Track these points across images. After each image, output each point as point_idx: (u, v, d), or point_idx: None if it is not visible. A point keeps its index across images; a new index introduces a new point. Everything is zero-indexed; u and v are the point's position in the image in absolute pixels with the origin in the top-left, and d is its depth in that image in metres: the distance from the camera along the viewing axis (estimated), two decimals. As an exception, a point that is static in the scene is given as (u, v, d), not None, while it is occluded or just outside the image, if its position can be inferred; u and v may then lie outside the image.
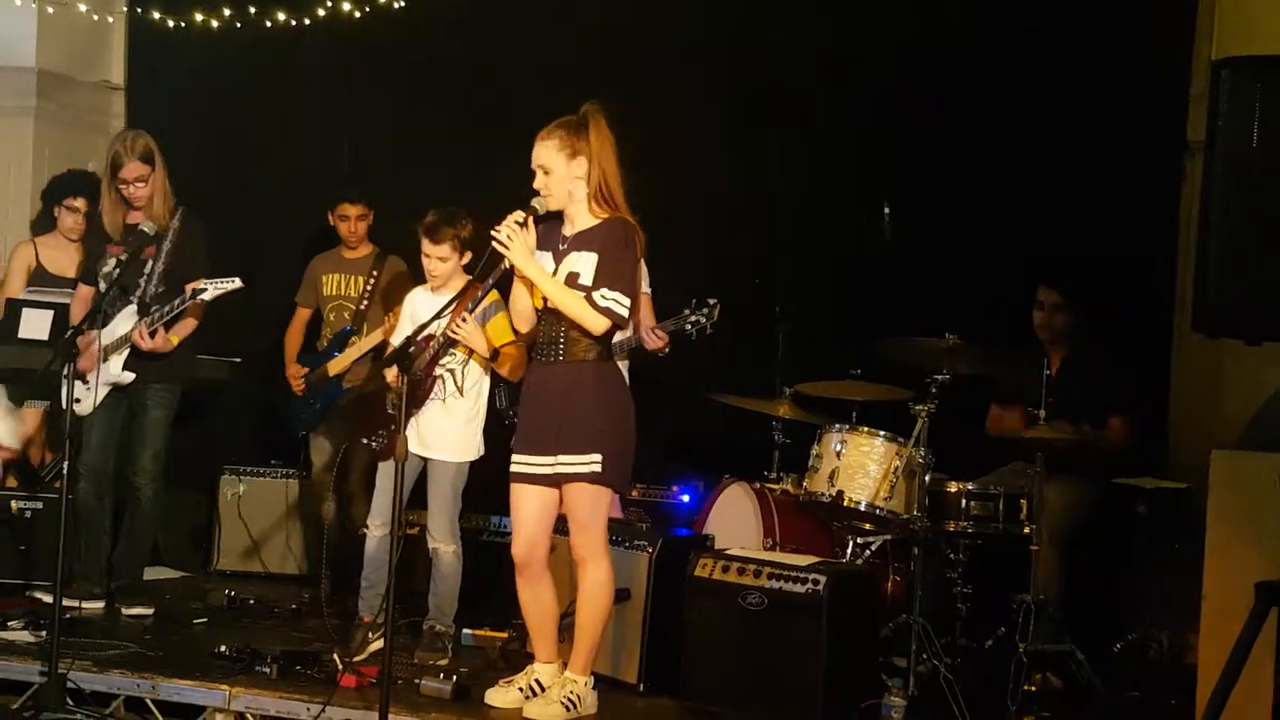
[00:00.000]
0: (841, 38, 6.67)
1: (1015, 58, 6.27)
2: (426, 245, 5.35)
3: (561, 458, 4.56)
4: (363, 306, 6.58)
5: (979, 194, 6.37)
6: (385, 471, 5.43)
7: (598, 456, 4.53)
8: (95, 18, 7.51)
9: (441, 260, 5.35)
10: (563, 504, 4.66)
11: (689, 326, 5.45)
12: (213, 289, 5.53)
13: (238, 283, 5.52)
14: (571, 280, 4.55)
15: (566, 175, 4.55)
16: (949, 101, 6.40)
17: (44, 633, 5.14)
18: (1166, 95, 6.06)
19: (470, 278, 5.10)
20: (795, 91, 6.69)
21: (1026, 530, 5.34)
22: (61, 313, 6.18)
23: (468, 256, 5.37)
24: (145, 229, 5.67)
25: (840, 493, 5.41)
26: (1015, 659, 5.07)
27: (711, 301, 5.44)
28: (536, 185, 4.58)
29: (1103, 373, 5.81)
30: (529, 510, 4.67)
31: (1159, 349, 6.12)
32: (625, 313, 4.54)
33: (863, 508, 5.40)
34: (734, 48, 6.83)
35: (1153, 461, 5.88)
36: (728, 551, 5.09)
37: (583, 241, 4.58)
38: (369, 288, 6.60)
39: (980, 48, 6.37)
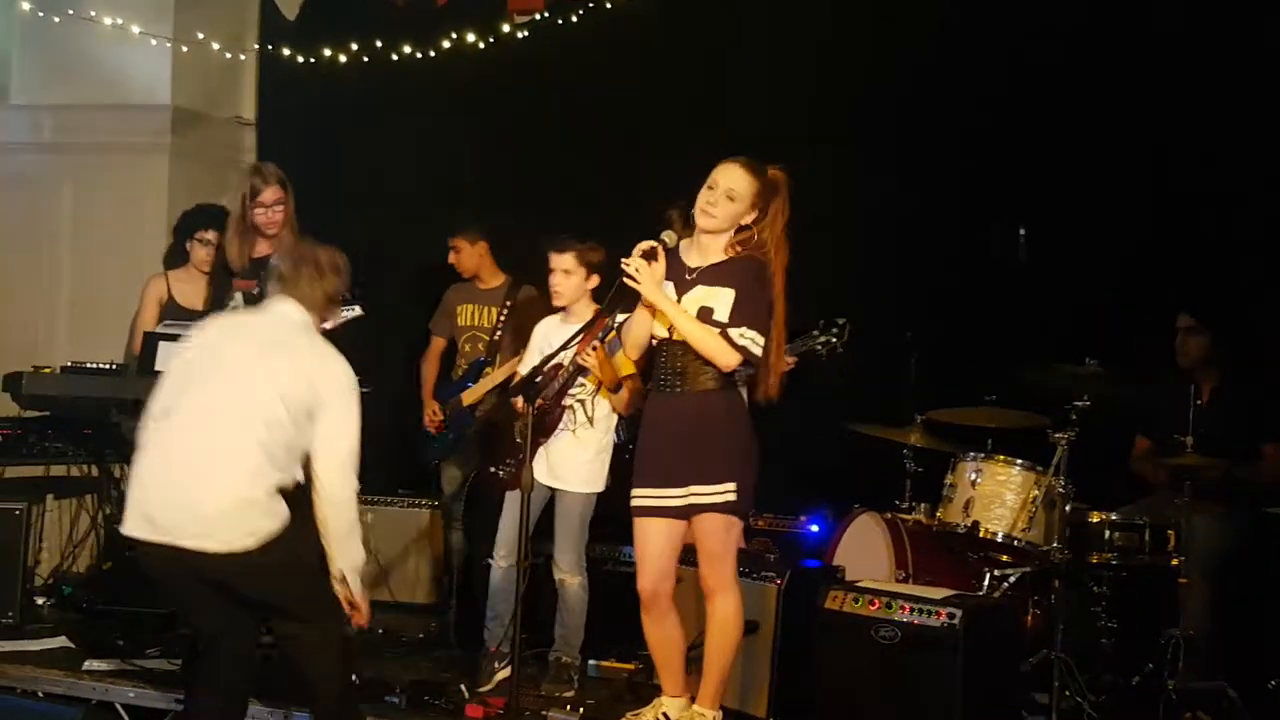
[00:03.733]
0: (953, 48, 6.56)
1: (1160, 65, 6.14)
2: (551, 257, 5.33)
3: (694, 488, 4.52)
4: (496, 337, 6.61)
5: (1121, 213, 6.23)
6: (511, 501, 5.42)
7: (732, 486, 4.49)
8: (228, 55, 7.67)
9: (565, 274, 5.32)
10: (689, 535, 4.60)
11: (819, 347, 5.39)
12: (334, 319, 5.54)
13: (359, 310, 5.55)
14: (705, 315, 4.53)
15: (739, 215, 4.54)
16: (1083, 113, 6.29)
17: (180, 661, 5.17)
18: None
19: (599, 307, 5.10)
20: (919, 106, 6.62)
21: (1174, 562, 5.29)
22: (198, 347, 6.23)
23: (594, 280, 5.33)
24: (276, 261, 5.68)
25: (976, 523, 5.39)
26: (1164, 697, 5.03)
27: (841, 320, 5.37)
28: (708, 200, 4.51)
29: (1255, 401, 5.73)
30: (656, 544, 4.62)
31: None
32: (760, 353, 4.52)
33: (1000, 539, 5.37)
34: (846, 59, 6.75)
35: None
36: (858, 584, 5.05)
37: (714, 276, 4.56)
38: (502, 318, 6.62)
39: (1116, 53, 6.24)
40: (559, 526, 5.37)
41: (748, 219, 4.55)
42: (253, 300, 5.69)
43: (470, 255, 6.68)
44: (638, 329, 4.66)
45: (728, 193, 4.52)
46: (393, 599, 6.97)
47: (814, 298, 5.98)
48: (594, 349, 5.11)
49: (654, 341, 4.64)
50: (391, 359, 7.18)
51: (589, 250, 5.32)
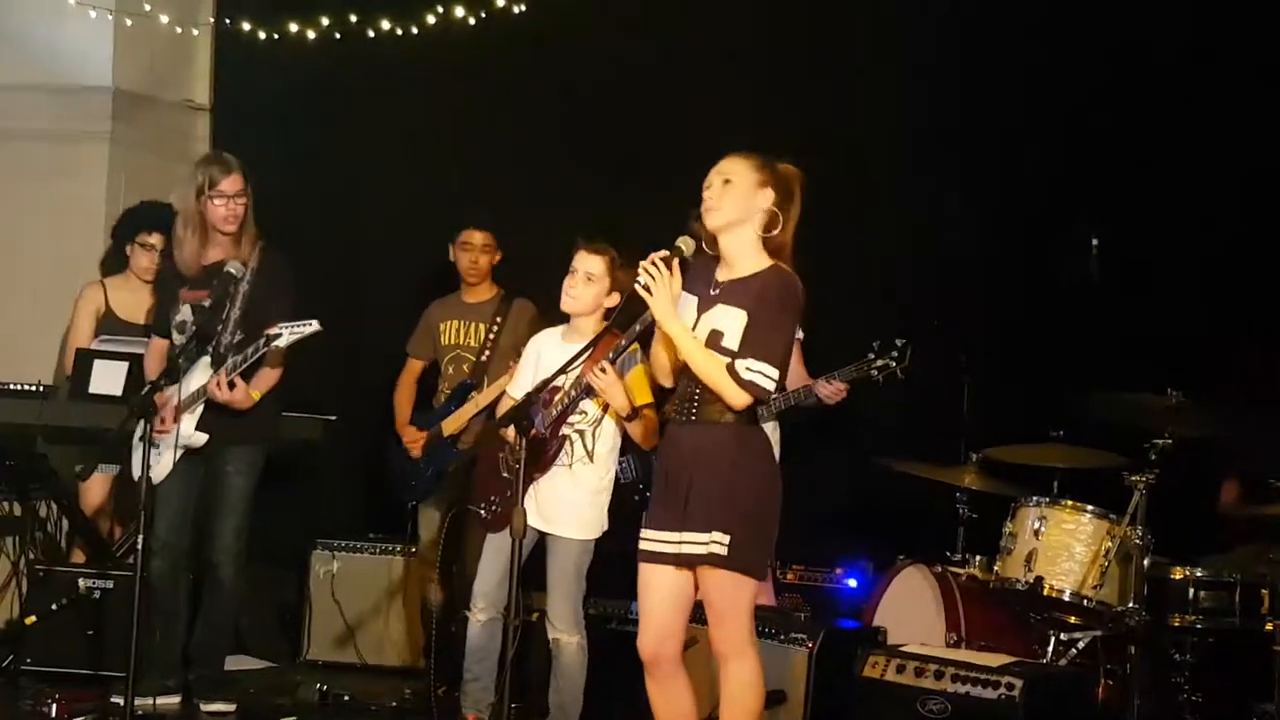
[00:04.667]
0: (1013, 35, 6.62)
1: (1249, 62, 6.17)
2: (578, 256, 5.30)
3: (686, 535, 4.49)
4: (484, 357, 6.60)
5: (1209, 220, 6.23)
6: (493, 547, 5.40)
7: (723, 537, 4.43)
8: (179, 30, 7.66)
9: (589, 279, 5.29)
10: (698, 589, 4.58)
11: (875, 372, 5.36)
12: (288, 334, 5.54)
13: (315, 325, 5.53)
14: (714, 340, 4.49)
15: (747, 199, 4.50)
16: (1165, 107, 6.31)
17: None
18: None
19: (607, 325, 5.09)
20: (972, 100, 6.65)
21: (1269, 626, 5.28)
22: (137, 365, 6.25)
23: (614, 299, 5.30)
24: (232, 269, 5.70)
25: (1039, 579, 5.39)
26: (1255, 781, 5.00)
27: (900, 342, 5.36)
28: (706, 195, 4.50)
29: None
30: (659, 595, 4.58)
31: None
32: (770, 388, 4.47)
33: (1067, 597, 5.39)
34: (890, 49, 6.82)
35: None
36: (903, 648, 5.06)
37: (736, 292, 4.52)
38: (492, 336, 6.61)
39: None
40: (551, 577, 5.35)
41: (763, 201, 4.49)
42: (203, 314, 5.70)
43: (485, 253, 6.64)
44: (661, 354, 4.65)
45: (723, 176, 4.49)
46: (361, 661, 6.97)
47: (855, 317, 6.04)
48: (603, 369, 5.08)
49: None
50: (366, 383, 7.17)
51: (624, 265, 5.28)
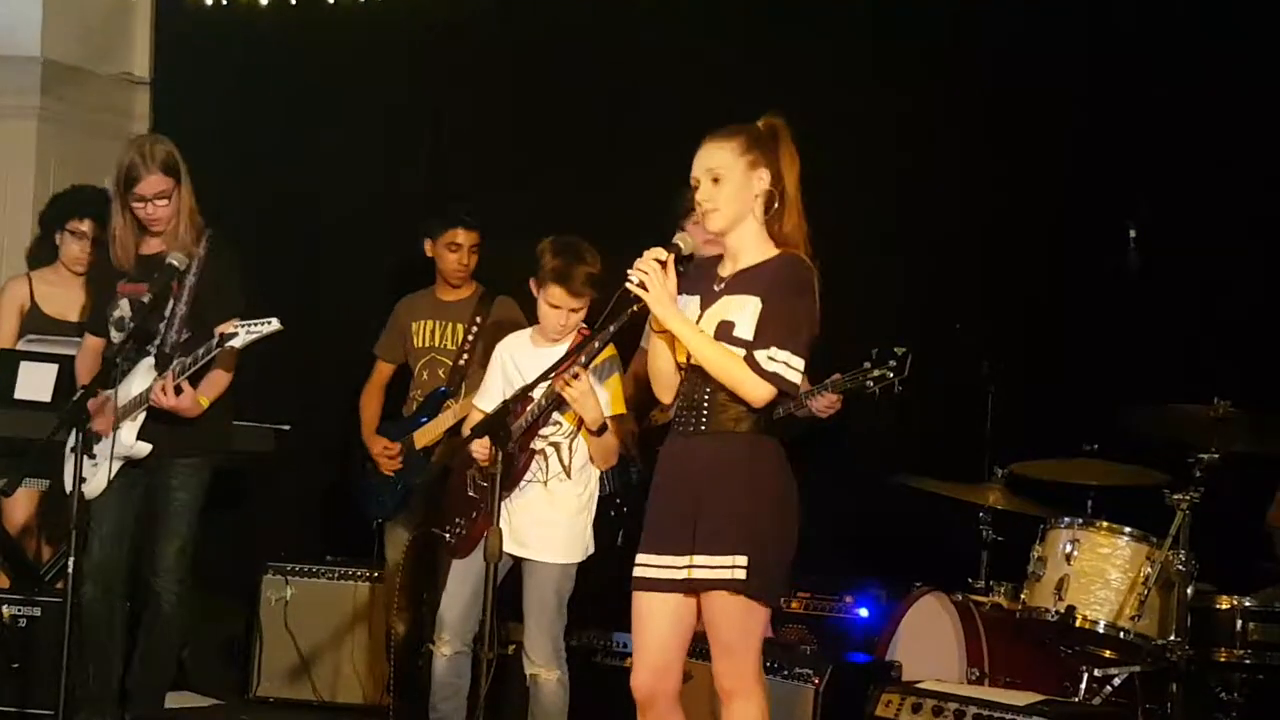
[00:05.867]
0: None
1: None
2: (559, 295, 5.33)
3: (697, 559, 4.47)
4: (462, 361, 6.62)
5: (1259, 214, 6.22)
6: (459, 573, 5.43)
7: (742, 560, 4.41)
8: (115, -5, 7.71)
9: (575, 313, 5.36)
10: (701, 619, 4.56)
11: (870, 383, 5.37)
12: (245, 333, 5.51)
13: (275, 324, 5.50)
14: (724, 332, 4.49)
15: (743, 189, 4.50)
16: (1209, 81, 6.30)
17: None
18: None
19: (586, 328, 5.12)
20: (1000, 82, 6.65)
21: None
22: (68, 367, 6.24)
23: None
24: (173, 262, 5.68)
25: (1071, 609, 5.38)
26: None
27: (899, 350, 5.34)
28: (700, 199, 4.51)
29: None
30: (656, 627, 4.57)
31: None
32: (796, 380, 4.47)
33: (1102, 629, 5.38)
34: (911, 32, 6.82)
35: None
36: (919, 685, 5.09)
37: (744, 281, 4.53)
38: (470, 338, 6.63)
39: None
40: (529, 607, 5.37)
41: (758, 185, 4.50)
42: (141, 310, 5.70)
43: (474, 254, 6.65)
44: (660, 363, 4.63)
45: (710, 174, 4.50)
46: (317, 699, 6.98)
47: (864, 318, 6.05)
48: (575, 376, 5.09)
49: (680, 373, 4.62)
50: (324, 387, 7.20)
51: (592, 265, 5.32)
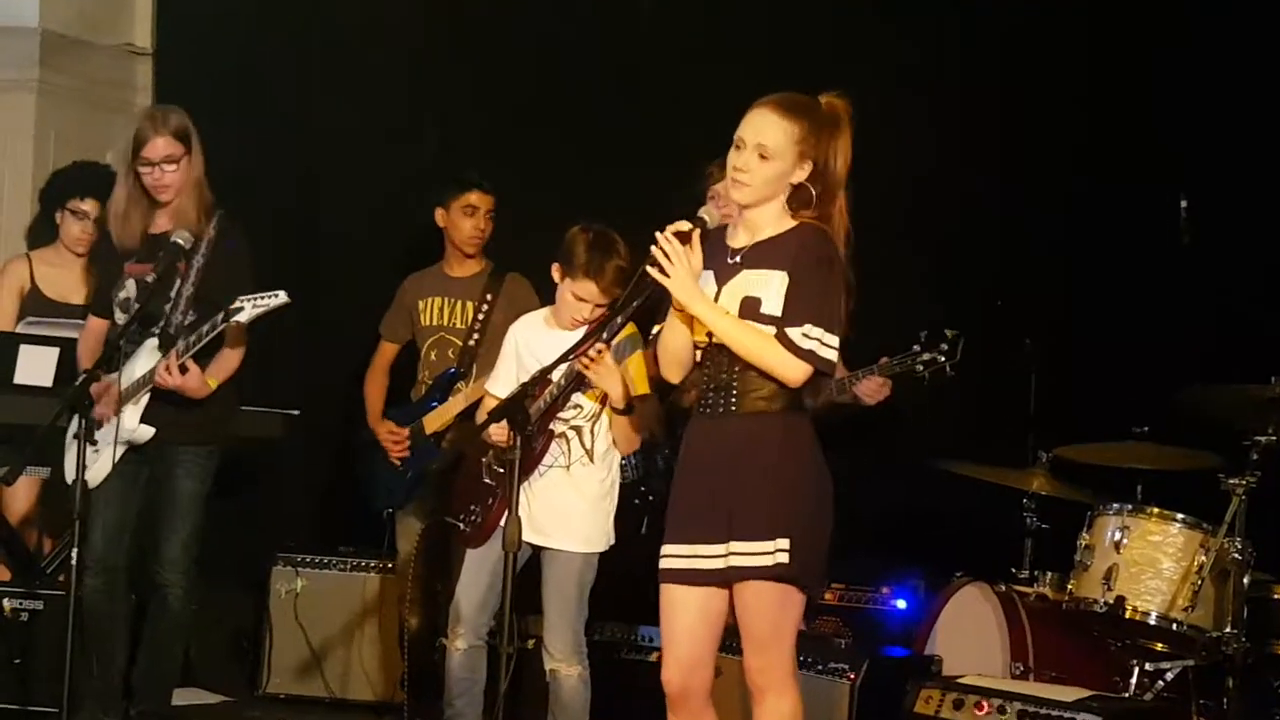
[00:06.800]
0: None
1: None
2: (590, 290, 5.31)
3: (735, 545, 4.44)
4: (472, 341, 6.60)
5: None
6: (474, 563, 5.41)
7: (785, 544, 4.39)
8: (116, -37, 7.70)
9: (600, 307, 5.33)
10: (733, 611, 4.54)
11: (920, 367, 5.35)
12: (251, 307, 5.54)
13: (283, 297, 5.51)
14: (750, 309, 4.45)
15: (783, 176, 4.46)
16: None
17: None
18: None
19: (606, 306, 5.11)
20: (1037, 53, 6.63)
21: None
22: (69, 351, 6.24)
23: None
24: (179, 240, 5.68)
25: (1120, 599, 5.40)
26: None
27: (950, 333, 5.36)
28: (736, 164, 4.45)
29: None
30: (687, 621, 4.55)
31: None
32: (833, 358, 4.44)
33: (1153, 620, 5.39)
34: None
35: None
36: (960, 680, 5.11)
37: (764, 253, 4.49)
38: (481, 316, 6.61)
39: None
40: (548, 599, 5.35)
41: (798, 176, 4.47)
42: (146, 290, 5.66)
43: (490, 220, 6.61)
44: (674, 341, 4.59)
45: (759, 149, 4.44)
46: (329, 695, 6.97)
47: (903, 298, 6.02)
48: (597, 352, 5.05)
49: (697, 353, 4.58)
50: (336, 373, 7.18)
51: (621, 258, 5.27)
